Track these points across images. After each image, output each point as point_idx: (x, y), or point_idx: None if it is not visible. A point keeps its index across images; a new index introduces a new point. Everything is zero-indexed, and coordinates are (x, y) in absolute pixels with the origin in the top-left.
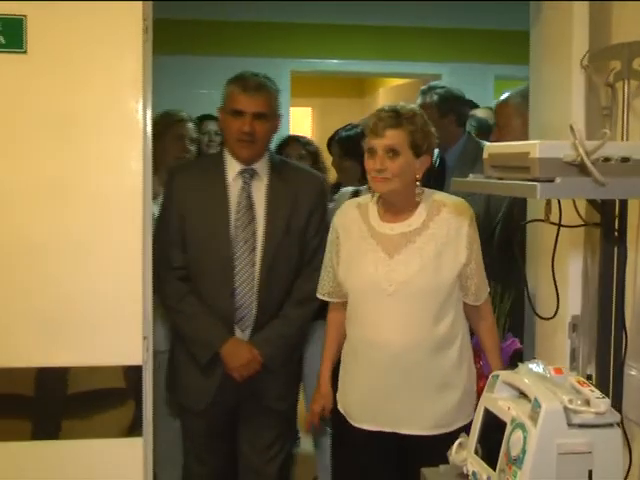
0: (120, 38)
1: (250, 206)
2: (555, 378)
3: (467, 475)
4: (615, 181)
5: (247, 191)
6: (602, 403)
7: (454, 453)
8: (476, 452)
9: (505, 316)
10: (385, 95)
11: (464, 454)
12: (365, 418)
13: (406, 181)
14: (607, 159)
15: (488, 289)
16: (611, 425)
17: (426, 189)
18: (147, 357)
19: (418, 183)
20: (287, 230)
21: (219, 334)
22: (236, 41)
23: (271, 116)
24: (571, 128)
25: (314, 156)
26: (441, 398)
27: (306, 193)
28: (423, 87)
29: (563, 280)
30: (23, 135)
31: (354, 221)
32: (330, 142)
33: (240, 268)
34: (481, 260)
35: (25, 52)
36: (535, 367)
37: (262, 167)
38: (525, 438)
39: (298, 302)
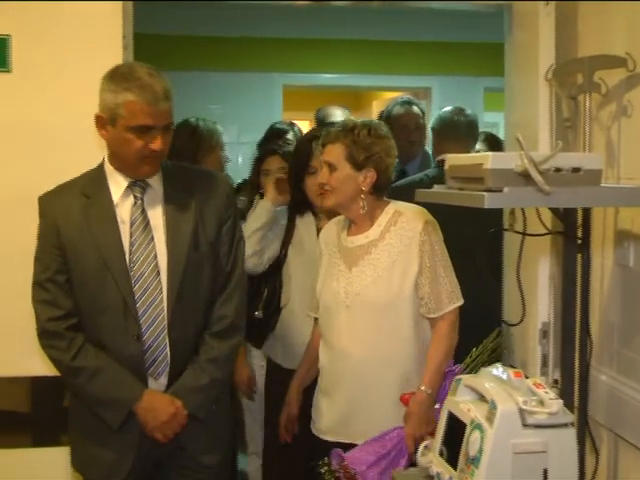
0: (101, 55)
1: (146, 225)
2: (514, 381)
3: (432, 476)
4: (564, 190)
5: (140, 207)
6: (555, 404)
7: (420, 456)
8: (441, 454)
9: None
10: (378, 108)
11: (430, 456)
12: (326, 428)
13: (347, 194)
14: (558, 169)
15: (452, 304)
16: (565, 425)
17: (392, 201)
18: None
19: (362, 196)
20: (195, 247)
21: (130, 388)
22: (228, 56)
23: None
24: (517, 139)
25: None
26: (399, 411)
27: (212, 200)
28: (407, 98)
29: (532, 287)
30: (7, 148)
31: (331, 237)
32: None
33: (143, 301)
34: (439, 270)
35: (9, 71)
36: (496, 371)
37: (153, 176)
38: (482, 438)
39: (219, 334)
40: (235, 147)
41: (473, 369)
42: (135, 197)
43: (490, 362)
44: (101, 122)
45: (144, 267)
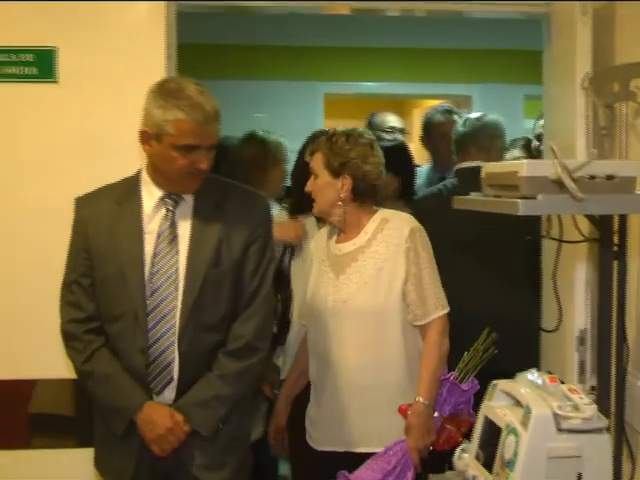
0: (145, 65)
1: (174, 237)
2: (549, 386)
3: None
4: (597, 198)
5: (170, 219)
6: (589, 409)
7: (457, 459)
8: (477, 457)
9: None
10: (419, 116)
11: (466, 460)
12: (319, 439)
13: (327, 201)
14: (592, 177)
15: (439, 311)
16: (599, 430)
17: (381, 209)
18: None
19: (340, 203)
20: (216, 262)
21: (132, 398)
22: (271, 65)
23: None
24: (551, 148)
25: None
26: (389, 418)
27: (243, 218)
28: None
29: (569, 294)
30: (55, 157)
31: (320, 245)
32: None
33: (155, 314)
34: (425, 277)
35: (56, 82)
36: (531, 376)
37: None
38: (517, 442)
39: (234, 353)
40: None
41: (467, 373)
42: (167, 209)
43: (482, 364)
44: (146, 137)
45: (163, 279)
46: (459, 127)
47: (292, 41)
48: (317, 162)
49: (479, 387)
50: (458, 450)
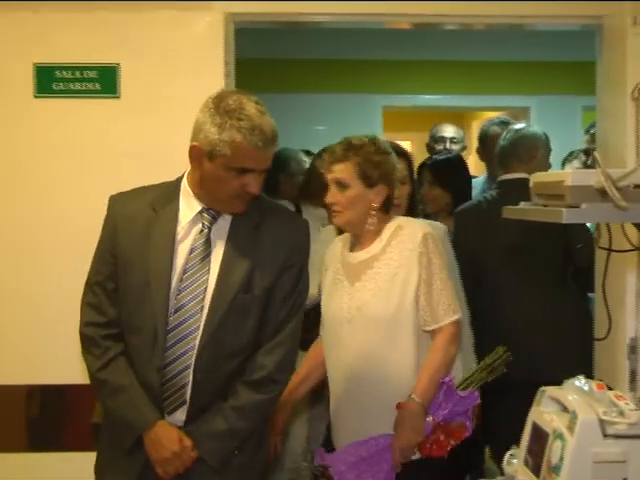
0: (204, 81)
1: (207, 255)
2: (596, 393)
3: None
4: None
5: (206, 235)
6: (634, 414)
7: (506, 464)
8: (526, 463)
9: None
10: (477, 128)
11: (515, 465)
12: (337, 444)
13: (359, 212)
14: (638, 186)
15: (449, 317)
16: None
17: (396, 216)
18: None
19: (373, 212)
20: (247, 287)
21: (144, 415)
22: (330, 78)
23: None
24: (595, 157)
25: None
26: None
27: (280, 242)
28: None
29: (619, 303)
30: (115, 171)
31: (335, 254)
32: (421, 168)
33: (176, 333)
34: (436, 283)
35: (118, 97)
36: (578, 383)
37: None
38: (563, 447)
39: (253, 384)
40: None
41: (470, 384)
42: (203, 224)
43: (488, 380)
44: (197, 153)
45: (189, 298)
46: (501, 140)
47: (351, 54)
48: (347, 173)
49: (479, 401)
50: (507, 455)
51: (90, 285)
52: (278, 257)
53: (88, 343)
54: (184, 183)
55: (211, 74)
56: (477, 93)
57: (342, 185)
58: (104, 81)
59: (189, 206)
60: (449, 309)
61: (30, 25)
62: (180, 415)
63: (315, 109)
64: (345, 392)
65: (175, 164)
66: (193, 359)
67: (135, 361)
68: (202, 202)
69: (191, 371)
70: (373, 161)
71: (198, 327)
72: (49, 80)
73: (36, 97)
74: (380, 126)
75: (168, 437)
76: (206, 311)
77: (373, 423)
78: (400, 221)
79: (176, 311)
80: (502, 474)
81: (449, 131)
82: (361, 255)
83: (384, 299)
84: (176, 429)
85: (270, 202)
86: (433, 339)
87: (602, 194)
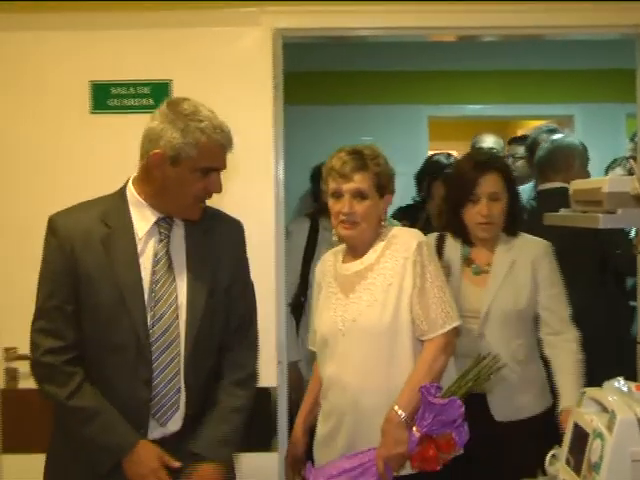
0: (253, 96)
1: (170, 264)
2: (635, 394)
3: None
4: None
5: (166, 246)
6: None
7: (548, 464)
8: (568, 462)
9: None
10: None
11: (557, 465)
12: (323, 462)
13: (373, 223)
14: None
15: (445, 326)
16: None
17: (390, 226)
18: (281, 380)
19: (383, 223)
20: (211, 292)
21: (124, 437)
22: (375, 90)
23: None
24: (631, 164)
25: None
26: None
27: (228, 244)
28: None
29: None
30: None
31: (327, 269)
32: (432, 182)
33: (160, 344)
34: (432, 291)
35: None
36: (617, 384)
37: None
38: (603, 446)
39: (241, 382)
40: None
41: (453, 394)
42: (160, 233)
43: (468, 390)
44: (159, 160)
45: (165, 308)
46: (538, 151)
47: (396, 66)
48: (366, 183)
49: (463, 409)
50: (549, 455)
51: (44, 311)
52: (229, 258)
53: (49, 372)
54: (131, 194)
55: (260, 88)
56: (521, 102)
57: (362, 195)
58: (157, 96)
59: (143, 217)
60: (446, 317)
61: (86, 44)
62: (172, 425)
63: (362, 120)
64: (339, 408)
65: (227, 179)
66: (181, 365)
67: (118, 379)
68: (157, 211)
69: (181, 377)
70: (387, 171)
71: (179, 334)
72: (104, 97)
73: (92, 113)
74: (426, 136)
75: (147, 455)
76: (184, 317)
77: (366, 438)
78: (394, 230)
79: (155, 322)
80: (544, 474)
81: (489, 141)
82: (355, 266)
83: (379, 310)
84: (156, 447)
85: (209, 208)
86: (423, 348)
87: (638, 200)
